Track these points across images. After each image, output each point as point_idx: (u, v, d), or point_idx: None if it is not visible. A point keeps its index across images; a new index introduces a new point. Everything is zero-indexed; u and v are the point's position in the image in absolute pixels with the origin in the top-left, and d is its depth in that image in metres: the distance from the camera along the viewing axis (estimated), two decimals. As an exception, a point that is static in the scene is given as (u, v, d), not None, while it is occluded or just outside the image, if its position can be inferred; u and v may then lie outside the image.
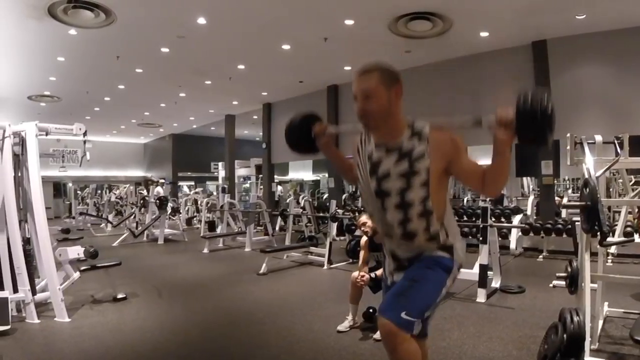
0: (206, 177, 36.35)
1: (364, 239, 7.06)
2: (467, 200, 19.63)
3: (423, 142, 2.99)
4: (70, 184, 34.42)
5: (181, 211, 23.07)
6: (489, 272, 8.58)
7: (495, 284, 8.89)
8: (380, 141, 3.15)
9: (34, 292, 7.21)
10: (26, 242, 7.51)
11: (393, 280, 3.37)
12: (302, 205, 17.17)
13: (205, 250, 14.91)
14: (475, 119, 2.93)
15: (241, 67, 17.26)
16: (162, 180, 23.11)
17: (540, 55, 14.05)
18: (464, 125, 3.07)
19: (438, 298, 3.12)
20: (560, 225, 11.77)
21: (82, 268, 8.16)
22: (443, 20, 12.55)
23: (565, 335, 4.21)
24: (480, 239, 8.60)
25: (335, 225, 12.71)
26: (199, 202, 24.31)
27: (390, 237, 3.26)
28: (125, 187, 27.70)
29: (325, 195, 24.33)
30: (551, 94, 11.21)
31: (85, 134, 8.51)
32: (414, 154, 3.00)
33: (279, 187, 22.94)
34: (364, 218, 6.87)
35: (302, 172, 31.65)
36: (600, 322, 5.78)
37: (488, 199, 13.25)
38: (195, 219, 24.63)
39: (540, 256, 12.58)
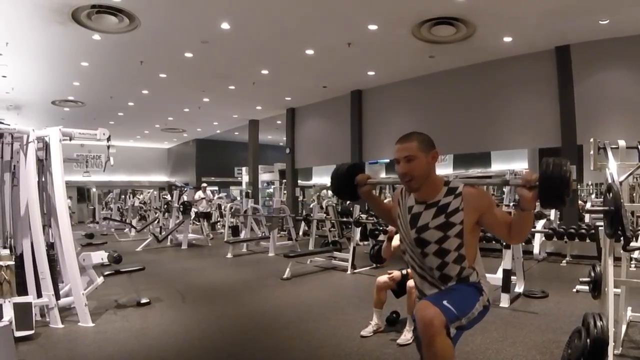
0: (230, 182, 36.34)
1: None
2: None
3: (458, 199, 3.40)
4: (94, 189, 34.58)
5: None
6: (512, 277, 8.53)
7: (519, 288, 8.85)
8: (420, 198, 3.54)
9: (57, 297, 7.21)
10: (50, 246, 7.54)
11: None
12: (325, 210, 17.14)
13: (229, 255, 14.88)
14: (503, 180, 3.51)
15: (265, 72, 17.27)
16: (204, 185, 23.02)
17: (564, 60, 13.94)
18: (493, 183, 3.54)
19: (473, 308, 3.44)
20: (583, 230, 11.63)
21: (106, 273, 8.19)
22: (467, 25, 12.49)
23: (588, 340, 4.20)
24: (504, 244, 8.51)
25: (358, 230, 12.66)
26: (222, 207, 24.32)
27: (425, 279, 3.61)
28: (149, 192, 27.76)
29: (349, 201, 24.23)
30: (574, 98, 11.19)
31: (109, 139, 8.54)
32: (449, 209, 3.40)
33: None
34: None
35: (325, 177, 31.39)
36: (624, 327, 5.75)
37: (512, 204, 13.13)
38: (218, 224, 24.67)
39: (564, 261, 12.47)
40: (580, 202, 16.02)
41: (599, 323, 4.24)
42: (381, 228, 13.56)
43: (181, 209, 17.91)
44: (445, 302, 3.25)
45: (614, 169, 5.07)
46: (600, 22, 12.15)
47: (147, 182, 39.18)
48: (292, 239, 16.29)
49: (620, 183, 4.83)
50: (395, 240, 5.47)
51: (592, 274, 5.36)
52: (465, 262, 3.44)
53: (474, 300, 3.45)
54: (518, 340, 6.16)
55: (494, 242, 11.49)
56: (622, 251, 5.12)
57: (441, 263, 3.45)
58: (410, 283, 6.43)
